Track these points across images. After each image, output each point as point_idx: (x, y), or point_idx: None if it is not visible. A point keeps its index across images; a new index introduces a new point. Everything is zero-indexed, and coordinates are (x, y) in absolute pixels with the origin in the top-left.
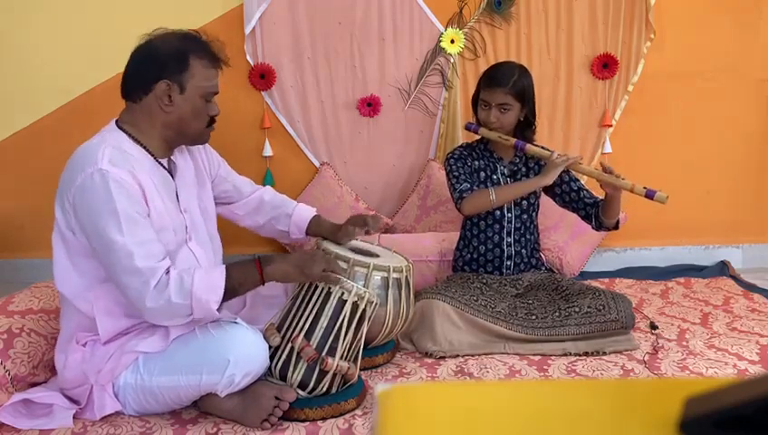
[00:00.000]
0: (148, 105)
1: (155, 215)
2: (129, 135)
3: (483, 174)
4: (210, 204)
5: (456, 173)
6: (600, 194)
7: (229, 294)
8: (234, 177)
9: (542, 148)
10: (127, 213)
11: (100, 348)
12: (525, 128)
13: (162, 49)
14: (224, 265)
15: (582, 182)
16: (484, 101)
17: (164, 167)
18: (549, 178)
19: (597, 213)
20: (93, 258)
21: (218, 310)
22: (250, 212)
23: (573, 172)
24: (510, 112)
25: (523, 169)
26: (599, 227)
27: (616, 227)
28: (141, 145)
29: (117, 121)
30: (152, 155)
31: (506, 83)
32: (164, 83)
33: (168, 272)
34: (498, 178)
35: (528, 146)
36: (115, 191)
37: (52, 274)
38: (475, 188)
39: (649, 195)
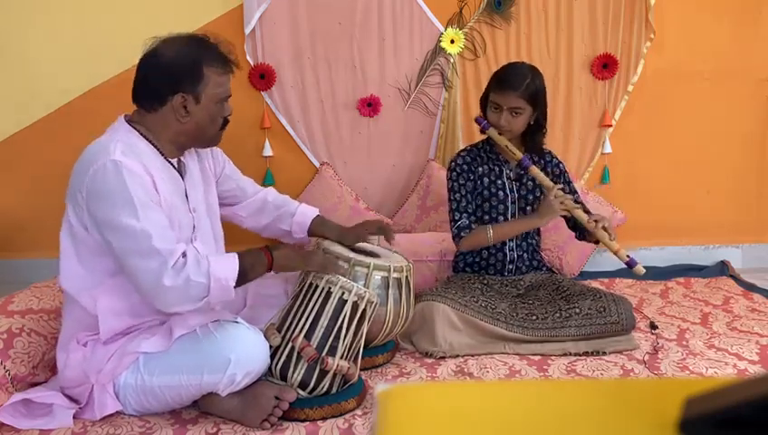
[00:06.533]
0: (163, 116)
1: (165, 208)
2: (140, 133)
3: (487, 179)
4: (215, 202)
5: (458, 196)
6: (594, 195)
7: (241, 277)
8: (238, 176)
9: (548, 166)
10: (141, 199)
11: (100, 348)
12: (536, 131)
13: (176, 61)
14: (234, 252)
15: (578, 193)
16: (495, 103)
17: (174, 166)
18: (544, 222)
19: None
20: (103, 255)
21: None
22: (253, 213)
23: (572, 184)
24: (521, 116)
25: (529, 175)
26: (581, 238)
27: (597, 242)
28: (151, 143)
29: (127, 119)
30: (162, 154)
31: (519, 87)
32: (180, 96)
33: (184, 254)
34: (503, 183)
35: (533, 168)
36: (128, 180)
37: (58, 269)
38: (473, 226)
39: (630, 264)
